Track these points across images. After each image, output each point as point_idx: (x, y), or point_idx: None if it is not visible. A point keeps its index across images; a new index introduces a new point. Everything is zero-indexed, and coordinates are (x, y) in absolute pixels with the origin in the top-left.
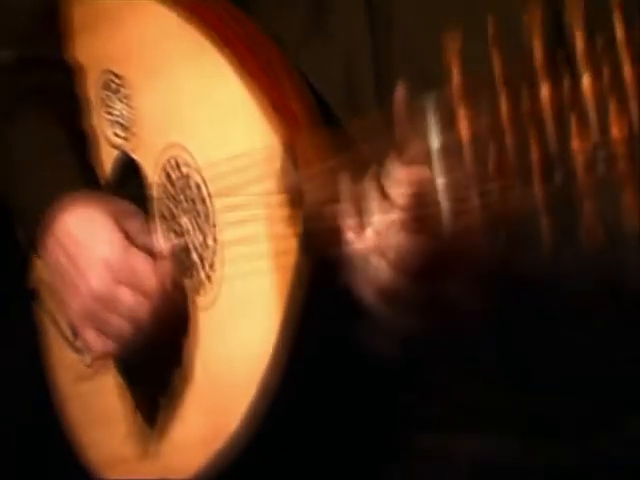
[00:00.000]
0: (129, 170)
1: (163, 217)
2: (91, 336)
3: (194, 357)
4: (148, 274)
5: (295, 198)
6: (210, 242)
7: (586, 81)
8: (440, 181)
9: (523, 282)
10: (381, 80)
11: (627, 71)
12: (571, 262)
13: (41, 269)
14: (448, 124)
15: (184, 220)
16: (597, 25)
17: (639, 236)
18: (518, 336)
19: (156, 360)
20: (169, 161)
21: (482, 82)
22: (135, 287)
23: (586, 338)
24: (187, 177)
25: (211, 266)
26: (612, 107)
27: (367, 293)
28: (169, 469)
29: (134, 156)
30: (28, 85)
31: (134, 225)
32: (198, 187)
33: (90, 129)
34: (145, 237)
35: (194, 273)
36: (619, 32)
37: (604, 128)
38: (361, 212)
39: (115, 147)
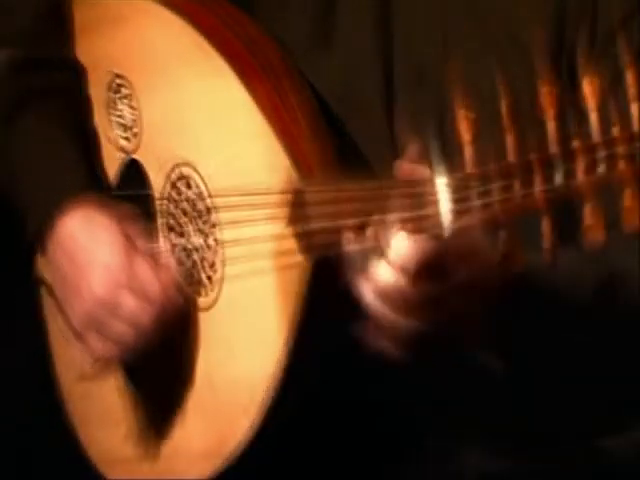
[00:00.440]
0: (134, 174)
1: (166, 221)
2: (94, 341)
3: (195, 359)
4: (151, 279)
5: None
6: (211, 242)
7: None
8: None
9: (523, 282)
10: (386, 86)
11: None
12: (571, 262)
13: (44, 268)
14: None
15: (184, 221)
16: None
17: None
18: (518, 336)
19: (157, 361)
20: (173, 169)
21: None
22: (137, 292)
23: (586, 338)
24: (187, 177)
25: (212, 266)
26: (613, 107)
27: (367, 293)
28: (170, 472)
29: (139, 160)
30: (34, 85)
31: (137, 230)
32: (198, 187)
33: (99, 130)
34: (148, 242)
35: (195, 273)
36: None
37: (605, 128)
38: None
39: (121, 150)
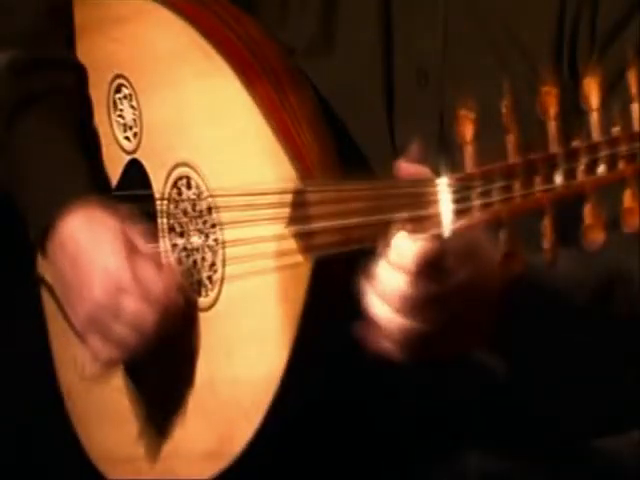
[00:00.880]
0: (135, 174)
1: (166, 221)
2: (96, 343)
3: (195, 359)
4: (152, 282)
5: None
6: (211, 242)
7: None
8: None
9: (524, 283)
10: (387, 86)
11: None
12: (571, 263)
13: (44, 268)
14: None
15: (184, 221)
16: None
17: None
18: (518, 336)
19: (159, 361)
20: (174, 169)
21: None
22: (139, 295)
23: (586, 338)
24: (188, 177)
25: (212, 266)
26: (613, 107)
27: (368, 294)
28: (171, 472)
29: (140, 160)
30: (35, 86)
31: (138, 230)
32: (198, 187)
33: (100, 130)
34: (149, 242)
35: (195, 274)
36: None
37: (606, 127)
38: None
39: (125, 151)
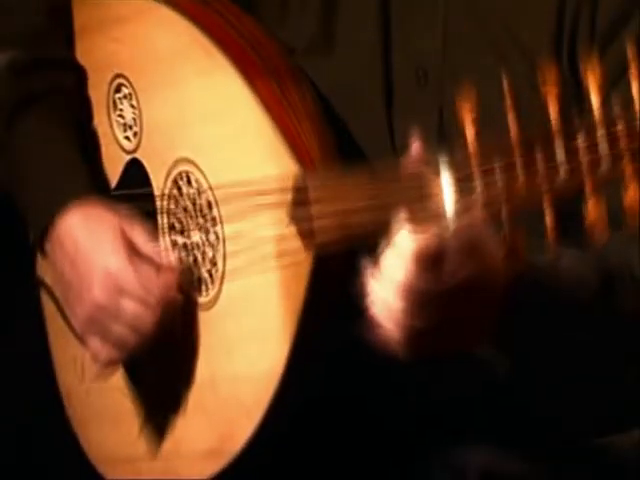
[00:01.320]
0: (135, 174)
1: (166, 219)
2: (95, 344)
3: (196, 358)
4: (152, 284)
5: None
6: (212, 238)
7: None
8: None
9: (526, 281)
10: (386, 86)
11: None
12: (574, 261)
13: (44, 269)
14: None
15: (185, 218)
16: None
17: None
18: (520, 335)
19: (159, 361)
20: (174, 167)
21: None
22: (138, 297)
23: (588, 336)
24: (189, 174)
25: (213, 263)
26: (615, 102)
27: (371, 288)
28: (171, 471)
29: (140, 159)
30: (34, 86)
31: (138, 230)
32: (199, 183)
33: (100, 130)
34: (150, 246)
35: (195, 271)
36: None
37: (608, 122)
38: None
39: (125, 151)
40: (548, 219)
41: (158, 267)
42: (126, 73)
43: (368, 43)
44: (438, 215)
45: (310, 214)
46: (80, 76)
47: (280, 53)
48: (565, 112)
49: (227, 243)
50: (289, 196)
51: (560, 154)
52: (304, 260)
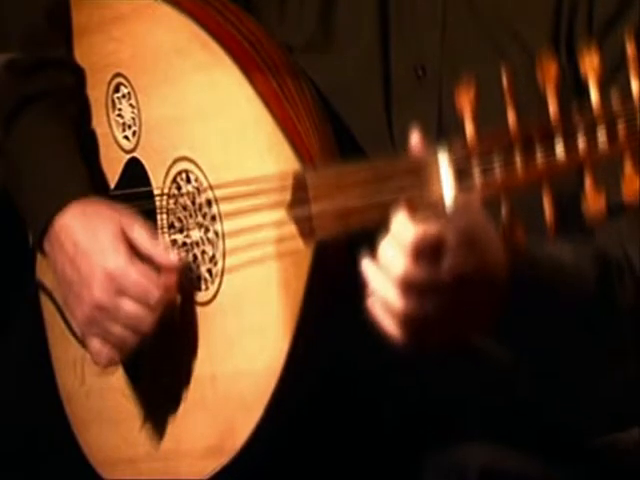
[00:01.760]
0: (134, 173)
1: (166, 217)
2: (95, 344)
3: (196, 356)
4: (152, 285)
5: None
6: (211, 235)
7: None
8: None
9: (526, 275)
10: (385, 84)
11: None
12: (573, 255)
13: (44, 270)
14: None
15: (184, 215)
16: None
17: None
18: (521, 333)
19: (158, 359)
20: (174, 164)
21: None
22: (138, 297)
23: (586, 333)
24: (188, 172)
25: (212, 260)
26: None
27: (371, 276)
28: (171, 471)
29: (139, 158)
30: (33, 87)
31: (140, 232)
32: (198, 180)
33: (99, 131)
34: (150, 245)
35: (195, 268)
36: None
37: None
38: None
39: (124, 150)
40: (547, 207)
41: (158, 267)
42: (125, 72)
43: (367, 39)
44: (437, 204)
45: (310, 211)
46: (79, 76)
47: (279, 50)
48: (564, 104)
49: (227, 240)
50: (289, 193)
51: (559, 144)
52: (304, 256)
